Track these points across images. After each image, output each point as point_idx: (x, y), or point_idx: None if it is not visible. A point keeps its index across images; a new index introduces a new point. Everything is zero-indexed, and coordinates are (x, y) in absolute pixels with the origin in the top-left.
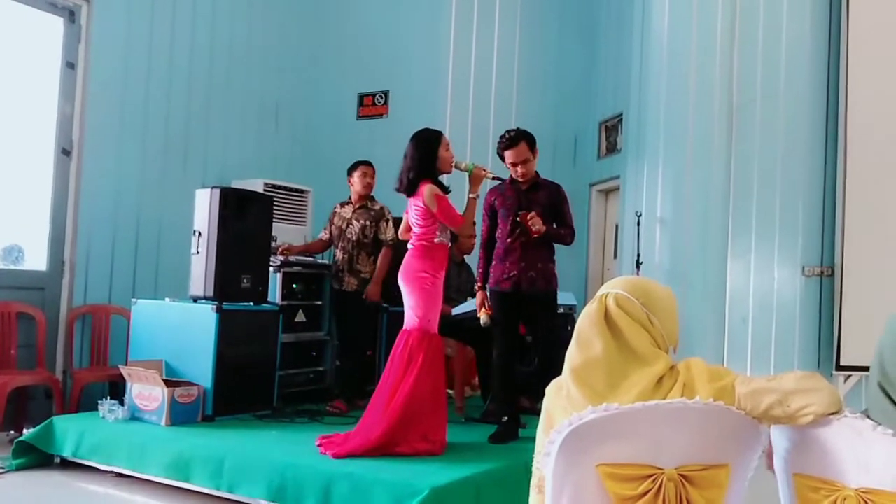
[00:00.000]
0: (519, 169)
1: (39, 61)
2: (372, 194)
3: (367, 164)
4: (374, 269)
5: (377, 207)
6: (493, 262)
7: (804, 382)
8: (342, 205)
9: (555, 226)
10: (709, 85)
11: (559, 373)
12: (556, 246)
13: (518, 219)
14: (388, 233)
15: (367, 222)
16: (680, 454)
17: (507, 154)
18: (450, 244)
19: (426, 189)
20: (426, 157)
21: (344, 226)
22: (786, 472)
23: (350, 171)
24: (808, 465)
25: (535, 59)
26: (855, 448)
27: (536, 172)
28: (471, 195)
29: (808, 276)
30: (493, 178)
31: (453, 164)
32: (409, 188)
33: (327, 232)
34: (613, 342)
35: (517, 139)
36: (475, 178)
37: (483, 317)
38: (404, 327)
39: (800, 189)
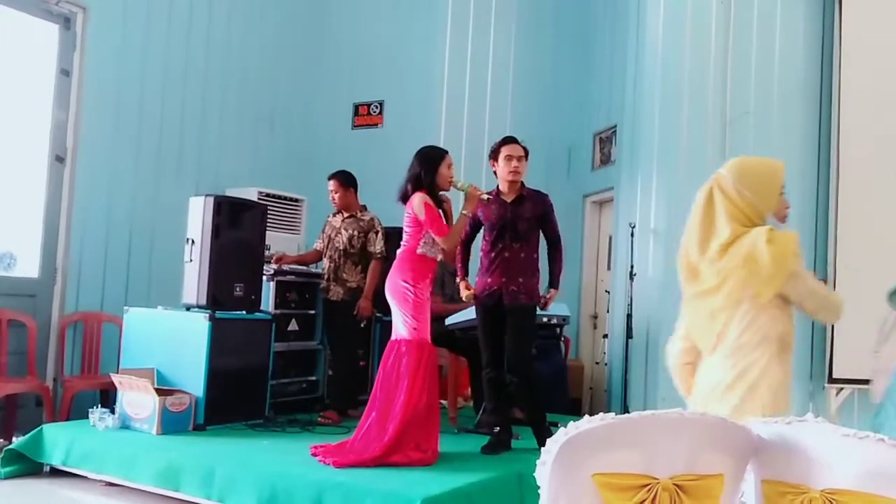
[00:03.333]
0: (514, 163)
1: (34, 68)
2: (363, 204)
3: (332, 177)
4: (361, 280)
5: (367, 219)
6: (478, 274)
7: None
8: (334, 214)
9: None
10: (702, 97)
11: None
12: None
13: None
14: (376, 245)
15: (356, 233)
16: (675, 464)
17: (505, 149)
18: (437, 258)
19: (416, 197)
20: (426, 171)
21: (333, 234)
22: (754, 481)
23: None
24: (776, 472)
25: (529, 71)
26: (819, 451)
27: (522, 183)
28: (463, 212)
29: None
30: (487, 199)
31: (451, 183)
32: (404, 197)
33: (321, 242)
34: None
35: (514, 138)
36: (470, 198)
37: (465, 293)
38: (392, 337)
39: (792, 201)
